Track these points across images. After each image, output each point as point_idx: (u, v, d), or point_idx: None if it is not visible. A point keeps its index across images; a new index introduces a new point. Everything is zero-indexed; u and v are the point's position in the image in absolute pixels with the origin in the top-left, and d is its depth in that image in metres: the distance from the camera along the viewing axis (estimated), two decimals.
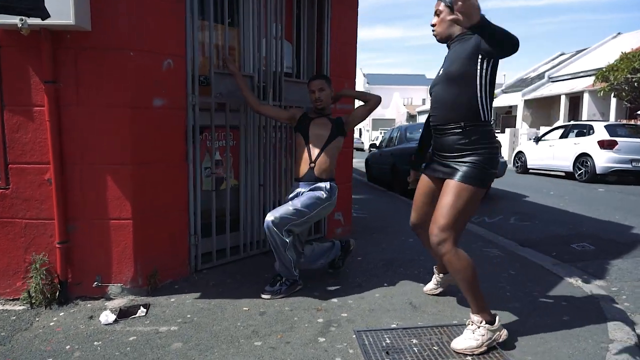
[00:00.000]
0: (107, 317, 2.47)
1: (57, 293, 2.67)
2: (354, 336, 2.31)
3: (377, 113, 46.17)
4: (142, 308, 2.63)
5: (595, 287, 3.15)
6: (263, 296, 2.79)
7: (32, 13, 2.26)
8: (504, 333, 2.25)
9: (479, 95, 2.22)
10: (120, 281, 2.76)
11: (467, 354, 2.15)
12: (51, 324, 2.45)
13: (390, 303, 2.75)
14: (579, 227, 5.56)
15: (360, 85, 48.00)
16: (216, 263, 3.25)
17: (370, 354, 2.12)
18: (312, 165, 2.92)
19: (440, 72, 2.38)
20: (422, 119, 37.47)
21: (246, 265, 3.37)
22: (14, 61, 2.53)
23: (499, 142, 2.38)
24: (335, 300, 2.79)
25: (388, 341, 2.26)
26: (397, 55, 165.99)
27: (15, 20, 2.28)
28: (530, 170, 12.71)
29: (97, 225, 2.69)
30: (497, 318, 2.26)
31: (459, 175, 2.24)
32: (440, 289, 2.88)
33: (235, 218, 3.40)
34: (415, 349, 2.19)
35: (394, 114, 42.35)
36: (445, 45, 2.43)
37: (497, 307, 2.70)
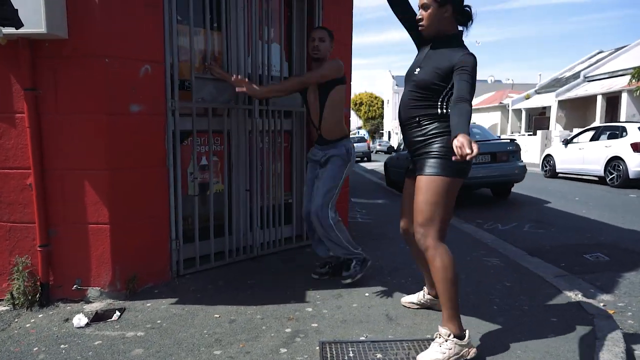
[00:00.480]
0: (79, 320, 2.51)
1: (38, 295, 2.73)
2: (317, 348, 2.24)
3: None
4: (117, 312, 2.65)
5: (594, 302, 2.96)
6: (343, 282, 3.09)
7: (6, 23, 2.33)
8: (473, 351, 2.13)
9: (440, 101, 2.23)
10: (99, 285, 2.80)
11: None
12: (27, 325, 2.51)
13: (365, 314, 2.66)
14: (597, 235, 5.25)
15: (389, 86, 47.53)
16: (200, 268, 3.25)
17: None
18: (319, 132, 3.09)
19: (417, 71, 2.29)
20: None
21: (231, 271, 3.35)
22: (3, 67, 2.62)
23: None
24: (309, 309, 2.73)
25: (351, 354, 2.18)
26: None
27: None
28: (560, 175, 12.18)
29: (76, 230, 2.74)
30: (466, 333, 2.14)
31: (425, 168, 2.20)
32: (417, 307, 2.76)
33: (221, 223, 3.40)
34: None
35: None
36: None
37: (479, 320, 2.58)
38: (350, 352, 2.21)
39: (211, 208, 3.29)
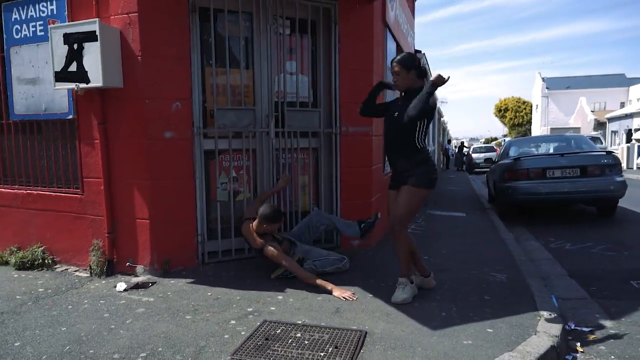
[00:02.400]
0: (120, 286, 3.53)
1: (106, 267, 3.86)
2: (259, 324, 2.84)
3: (560, 121, 40.83)
4: (150, 284, 3.62)
5: (558, 325, 2.88)
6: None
7: (80, 80, 3.49)
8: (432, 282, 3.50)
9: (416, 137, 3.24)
10: (143, 264, 3.81)
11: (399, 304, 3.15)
12: (92, 287, 3.63)
13: (320, 306, 3.14)
14: None
15: (538, 91, 43.42)
16: (222, 259, 4.08)
17: (253, 337, 2.64)
18: None
19: (396, 114, 3.23)
20: (613, 126, 31.85)
21: (248, 264, 4.08)
22: (84, 109, 3.83)
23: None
24: (280, 297, 3.31)
25: (278, 331, 2.72)
26: (595, 53, 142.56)
27: (73, 85, 3.53)
28: None
29: (129, 222, 3.81)
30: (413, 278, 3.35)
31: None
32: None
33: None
34: (290, 340, 2.61)
35: (579, 122, 37.09)
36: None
37: (410, 319, 2.87)
38: (279, 329, 2.75)
39: (232, 212, 4.10)
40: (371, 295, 3.35)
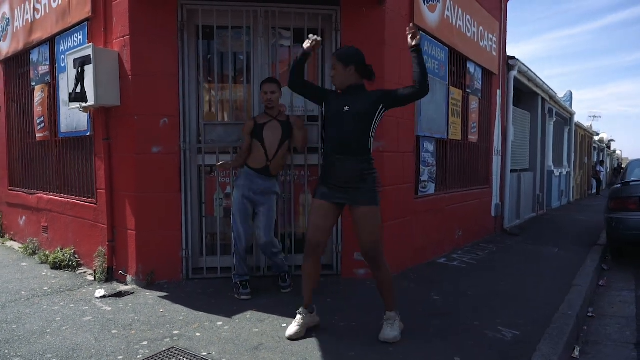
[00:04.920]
0: (99, 293, 3.71)
1: (105, 274, 4.12)
2: (164, 349, 2.67)
3: None
4: (128, 294, 3.74)
5: None
6: (283, 291, 3.78)
7: (82, 99, 3.83)
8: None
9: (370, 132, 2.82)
10: (131, 274, 3.97)
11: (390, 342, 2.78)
12: (84, 290, 3.89)
13: (247, 339, 2.82)
14: None
15: None
16: (206, 276, 4.01)
17: None
18: (269, 163, 3.63)
19: (346, 108, 2.79)
20: None
21: (228, 284, 3.93)
22: (97, 127, 4.20)
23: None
24: (220, 323, 3.09)
25: None
26: None
27: (78, 104, 3.90)
28: None
29: (122, 232, 4.01)
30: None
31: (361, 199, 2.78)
32: (302, 335, 2.86)
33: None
34: None
35: None
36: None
37: None
38: (176, 358, 2.54)
39: (218, 230, 4.02)
40: (315, 334, 2.90)
